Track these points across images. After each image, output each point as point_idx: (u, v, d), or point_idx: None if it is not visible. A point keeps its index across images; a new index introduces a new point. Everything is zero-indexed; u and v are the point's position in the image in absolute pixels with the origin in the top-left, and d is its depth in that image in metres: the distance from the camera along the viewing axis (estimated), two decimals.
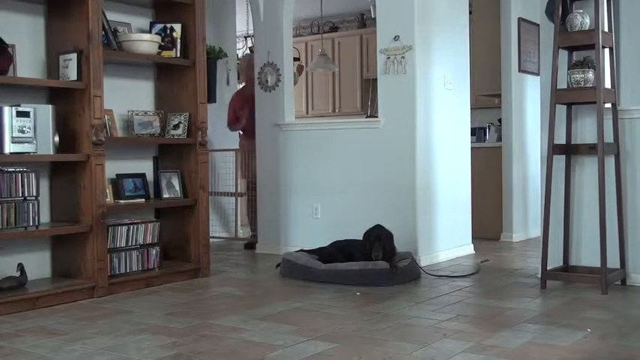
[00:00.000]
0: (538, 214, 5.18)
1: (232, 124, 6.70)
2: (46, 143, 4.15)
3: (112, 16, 4.67)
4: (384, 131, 5.44)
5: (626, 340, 3.20)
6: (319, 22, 9.50)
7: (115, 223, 4.51)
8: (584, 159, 4.56)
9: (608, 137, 4.35)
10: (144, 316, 3.76)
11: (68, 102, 4.34)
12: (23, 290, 4.03)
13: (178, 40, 4.89)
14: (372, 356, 2.98)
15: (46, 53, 4.45)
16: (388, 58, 5.38)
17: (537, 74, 6.10)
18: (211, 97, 6.38)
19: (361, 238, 4.87)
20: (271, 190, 6.06)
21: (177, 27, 4.89)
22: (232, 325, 3.52)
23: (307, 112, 10.01)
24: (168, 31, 4.89)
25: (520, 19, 6.70)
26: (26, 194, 4.05)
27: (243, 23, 8.84)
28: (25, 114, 4.01)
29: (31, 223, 4.07)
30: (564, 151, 4.55)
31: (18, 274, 4.09)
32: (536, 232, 6.51)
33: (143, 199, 4.81)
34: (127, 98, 4.87)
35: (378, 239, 4.75)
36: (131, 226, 4.58)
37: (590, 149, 4.37)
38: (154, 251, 4.69)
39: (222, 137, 7.10)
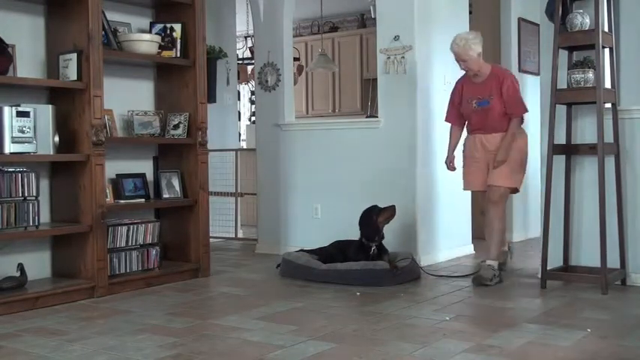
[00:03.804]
0: (538, 214, 5.16)
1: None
2: (46, 143, 4.15)
3: (112, 16, 4.67)
4: (384, 131, 5.44)
5: (626, 340, 3.20)
6: (319, 22, 9.49)
7: (115, 223, 4.51)
8: (584, 159, 4.56)
9: (608, 137, 4.35)
10: (144, 316, 3.76)
11: (68, 102, 4.33)
12: (23, 290, 4.03)
13: (178, 40, 4.89)
14: (372, 356, 2.97)
15: (46, 53, 4.45)
16: (388, 58, 5.38)
17: (537, 74, 6.09)
18: (211, 97, 6.38)
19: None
20: (271, 190, 6.06)
21: (177, 27, 4.89)
22: (232, 325, 3.52)
23: (307, 112, 9.99)
24: (168, 31, 4.89)
25: (520, 19, 6.70)
26: (26, 194, 4.05)
27: (243, 23, 8.84)
28: (25, 114, 4.01)
29: (31, 223, 4.07)
30: (564, 151, 4.55)
31: (18, 274, 4.08)
32: (536, 232, 6.49)
33: (143, 199, 4.81)
34: (127, 98, 4.86)
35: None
36: (131, 226, 4.58)
37: (590, 149, 4.37)
38: (154, 251, 4.69)
39: (223, 137, 7.10)
